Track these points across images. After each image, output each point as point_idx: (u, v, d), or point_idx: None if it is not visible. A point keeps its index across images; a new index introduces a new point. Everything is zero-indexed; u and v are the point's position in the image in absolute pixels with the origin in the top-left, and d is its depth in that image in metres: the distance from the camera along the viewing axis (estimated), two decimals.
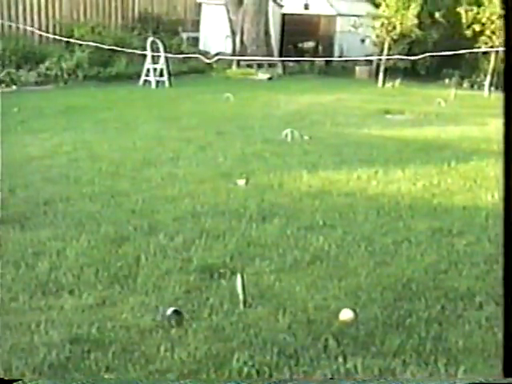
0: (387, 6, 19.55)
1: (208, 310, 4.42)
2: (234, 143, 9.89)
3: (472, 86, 19.37)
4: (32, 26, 18.89)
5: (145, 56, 17.20)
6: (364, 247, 5.63)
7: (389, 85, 18.93)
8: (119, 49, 16.08)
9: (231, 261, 5.28)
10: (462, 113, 13.73)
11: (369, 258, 5.42)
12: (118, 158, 8.80)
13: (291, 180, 7.84)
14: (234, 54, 21.44)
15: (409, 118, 13.27)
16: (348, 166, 8.53)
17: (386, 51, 19.46)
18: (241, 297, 4.50)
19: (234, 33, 21.90)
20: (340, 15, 23.19)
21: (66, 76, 17.19)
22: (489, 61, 18.63)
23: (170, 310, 4.29)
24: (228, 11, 22.03)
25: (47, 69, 17.12)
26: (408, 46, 20.11)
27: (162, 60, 17.30)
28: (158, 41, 17.72)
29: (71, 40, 17.23)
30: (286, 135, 10.07)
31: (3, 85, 15.48)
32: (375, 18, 20.20)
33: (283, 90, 16.94)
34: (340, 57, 22.34)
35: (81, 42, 17.21)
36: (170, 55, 17.17)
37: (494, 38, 17.76)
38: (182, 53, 19.00)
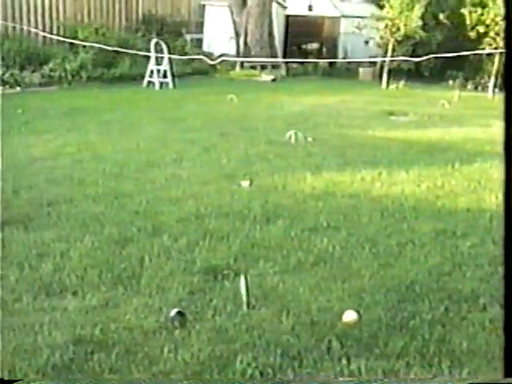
0: (391, 7, 19.52)
1: (211, 312, 4.42)
2: (238, 144, 9.88)
3: (476, 88, 19.35)
4: (36, 28, 18.89)
5: (148, 57, 17.19)
6: (368, 249, 5.63)
7: (393, 86, 18.92)
8: (123, 50, 16.06)
9: (235, 262, 5.28)
10: (466, 114, 13.72)
11: (373, 259, 5.42)
12: (121, 159, 8.80)
13: (295, 181, 7.84)
14: (237, 55, 21.44)
15: (413, 119, 13.26)
16: (352, 167, 8.53)
17: (389, 53, 19.44)
18: (244, 298, 4.50)
19: (237, 34, 21.90)
20: (344, 17, 23.18)
21: (69, 77, 17.19)
22: (493, 62, 18.61)
23: (173, 312, 4.29)
24: (232, 13, 22.03)
25: (51, 70, 17.12)
26: (412, 48, 20.10)
27: (165, 61, 17.30)
28: (161, 42, 17.72)
29: (75, 41, 17.22)
30: (290, 137, 10.07)
31: (7, 86, 15.48)
32: (379, 19, 20.18)
33: (287, 91, 16.94)
34: (344, 58, 22.33)
35: (85, 44, 17.21)
36: (173, 56, 17.16)
37: (498, 39, 17.73)
38: (185, 54, 19.00)
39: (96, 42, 16.94)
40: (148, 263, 5.22)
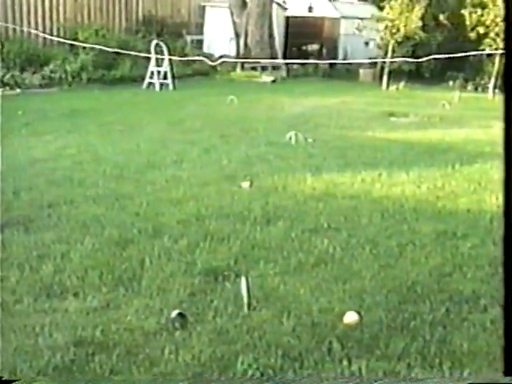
0: (391, 8, 19.55)
1: (212, 313, 4.42)
2: (238, 146, 9.89)
3: (476, 89, 19.37)
4: (36, 29, 18.90)
5: (149, 59, 17.21)
6: (368, 250, 5.62)
7: (393, 87, 18.94)
8: (123, 51, 16.07)
9: (235, 263, 5.28)
10: (467, 115, 13.72)
11: (373, 260, 5.42)
12: (122, 160, 8.80)
13: (295, 183, 7.83)
14: (238, 56, 21.46)
15: (413, 120, 13.26)
16: (352, 168, 8.53)
17: (390, 54, 19.47)
18: (245, 299, 4.50)
19: (238, 35, 21.92)
20: (344, 18, 23.21)
21: (70, 79, 17.21)
22: (493, 63, 18.63)
23: (174, 313, 4.29)
24: (232, 14, 22.04)
25: (51, 71, 17.14)
26: (412, 49, 20.13)
27: (165, 63, 17.32)
28: (162, 43, 17.73)
29: (75, 43, 17.24)
30: (290, 138, 10.07)
31: (7, 87, 15.50)
32: (379, 20, 20.21)
33: (287, 92, 16.95)
34: (344, 59, 22.36)
35: (85, 45, 17.23)
36: (174, 58, 17.18)
37: (498, 40, 17.75)
38: (186, 55, 19.02)
39: (96, 44, 16.96)
40: (149, 264, 5.21)
